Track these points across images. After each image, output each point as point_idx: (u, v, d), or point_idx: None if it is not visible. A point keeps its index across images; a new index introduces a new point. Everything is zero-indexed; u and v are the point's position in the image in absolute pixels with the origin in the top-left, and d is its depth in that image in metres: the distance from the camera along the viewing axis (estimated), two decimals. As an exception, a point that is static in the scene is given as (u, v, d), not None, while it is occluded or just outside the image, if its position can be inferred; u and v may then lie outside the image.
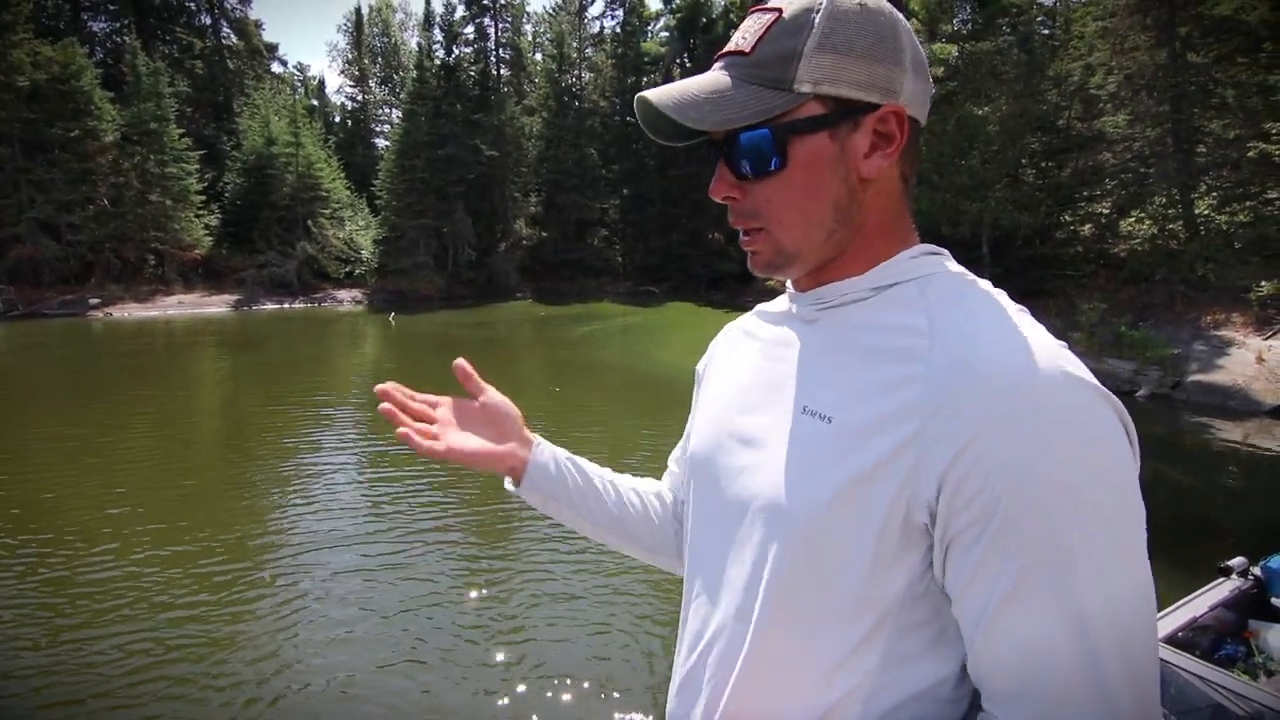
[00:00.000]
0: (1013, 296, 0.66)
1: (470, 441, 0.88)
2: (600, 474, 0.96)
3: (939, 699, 0.62)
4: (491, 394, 0.92)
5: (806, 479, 0.63)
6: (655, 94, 0.65)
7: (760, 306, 0.84)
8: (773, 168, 0.64)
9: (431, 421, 0.88)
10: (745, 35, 0.66)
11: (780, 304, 0.80)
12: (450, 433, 0.88)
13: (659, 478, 1.03)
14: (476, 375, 0.91)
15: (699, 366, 0.92)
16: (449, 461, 0.86)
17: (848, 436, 0.61)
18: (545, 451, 0.92)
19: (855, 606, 0.61)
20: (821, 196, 0.65)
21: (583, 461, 0.96)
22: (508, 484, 0.93)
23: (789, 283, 0.77)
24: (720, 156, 0.68)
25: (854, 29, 0.63)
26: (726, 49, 0.67)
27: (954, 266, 0.69)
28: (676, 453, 0.99)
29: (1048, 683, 0.54)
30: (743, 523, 0.68)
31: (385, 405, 0.86)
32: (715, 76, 0.66)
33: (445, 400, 0.91)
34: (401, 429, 0.83)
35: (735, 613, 0.68)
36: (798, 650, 0.64)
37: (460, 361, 0.89)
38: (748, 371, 0.77)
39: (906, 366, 0.60)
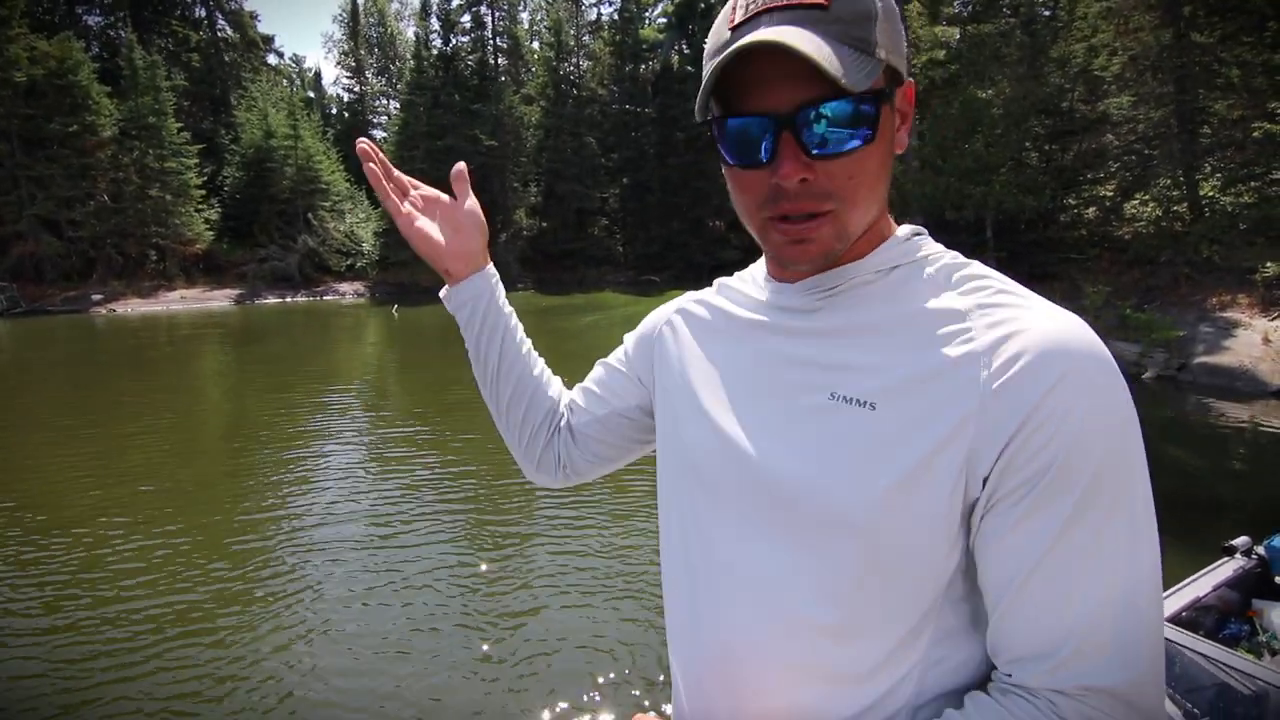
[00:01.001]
0: (1018, 280, 0.66)
1: (432, 229, 0.93)
2: (523, 338, 0.99)
3: (978, 666, 0.63)
4: (472, 202, 0.95)
5: (859, 469, 0.61)
6: (791, 36, 0.55)
7: (721, 282, 0.81)
8: (861, 140, 0.60)
9: (405, 194, 0.94)
10: None
11: (744, 286, 0.77)
12: (417, 214, 0.93)
13: None
14: (468, 181, 0.95)
15: (638, 333, 0.91)
16: (407, 235, 0.93)
17: (898, 423, 0.60)
18: (491, 279, 0.96)
19: (918, 592, 0.60)
20: (887, 171, 0.64)
21: (516, 320, 0.98)
22: (444, 292, 0.97)
23: (757, 272, 0.76)
24: (784, 130, 0.59)
25: (889, 0, 0.61)
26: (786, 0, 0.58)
27: (940, 246, 0.69)
28: (599, 372, 0.97)
29: (1066, 640, 0.56)
30: (779, 516, 0.65)
31: (369, 165, 0.89)
32: (797, 31, 0.56)
33: (427, 189, 0.96)
34: (379, 183, 0.90)
35: (782, 611, 0.65)
36: (852, 644, 0.62)
37: (460, 166, 0.94)
38: (729, 364, 0.74)
39: (956, 349, 0.59)
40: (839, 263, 0.67)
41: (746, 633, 0.67)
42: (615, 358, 0.95)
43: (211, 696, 3.44)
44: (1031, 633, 0.57)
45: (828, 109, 0.58)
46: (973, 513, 0.59)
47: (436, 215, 0.94)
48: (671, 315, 0.85)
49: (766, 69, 0.59)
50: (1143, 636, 0.56)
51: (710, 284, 0.84)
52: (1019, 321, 0.59)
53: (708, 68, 0.61)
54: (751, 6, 0.59)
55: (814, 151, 0.59)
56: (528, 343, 1.00)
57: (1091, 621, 0.55)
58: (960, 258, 0.67)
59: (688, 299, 0.85)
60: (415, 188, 0.95)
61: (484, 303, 0.94)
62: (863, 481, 0.60)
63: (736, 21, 0.60)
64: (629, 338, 0.94)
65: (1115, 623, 0.55)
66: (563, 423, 0.99)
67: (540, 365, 1.00)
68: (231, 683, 3.54)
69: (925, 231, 0.70)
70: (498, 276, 0.97)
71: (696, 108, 0.63)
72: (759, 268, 0.77)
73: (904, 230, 0.69)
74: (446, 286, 0.96)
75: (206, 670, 3.64)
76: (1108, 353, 0.58)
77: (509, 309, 0.97)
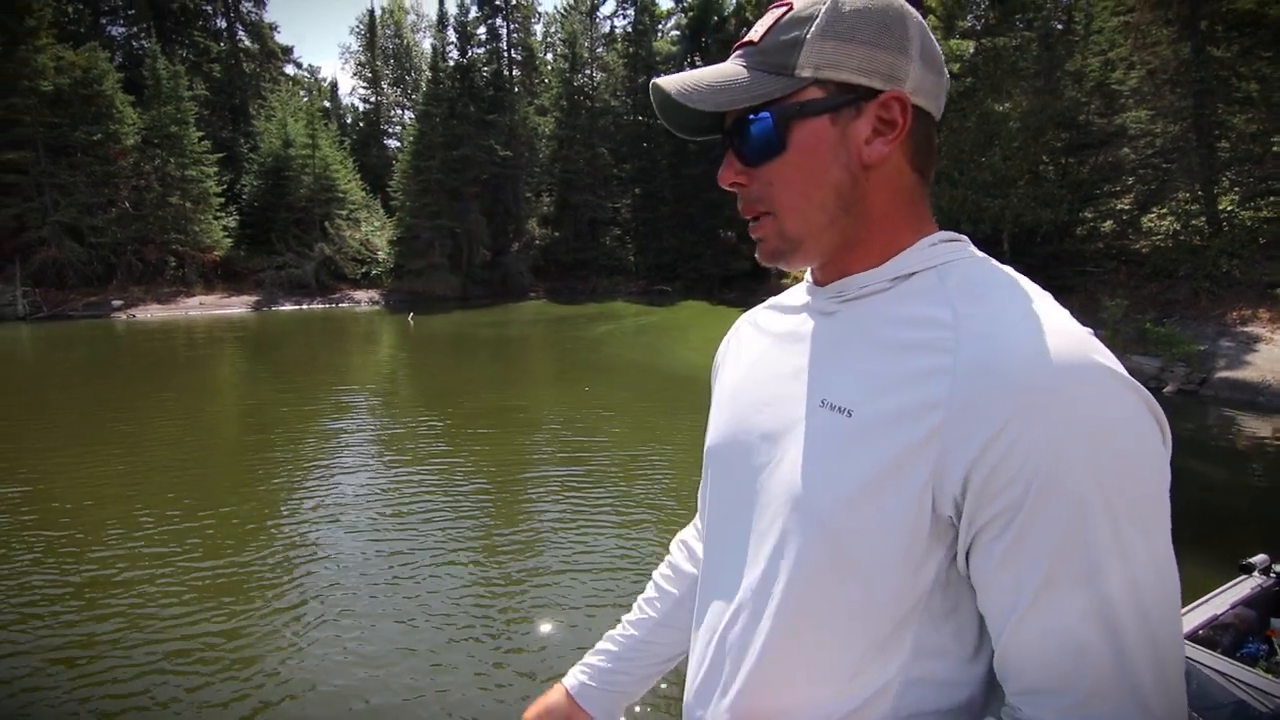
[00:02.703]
0: None
1: None
2: (653, 649, 0.97)
3: (965, 688, 0.63)
4: None
5: (828, 473, 0.63)
6: (667, 80, 0.67)
7: (773, 299, 0.84)
8: (774, 151, 0.66)
9: None
10: (758, 28, 0.68)
11: (795, 296, 0.79)
12: None
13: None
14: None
15: (715, 361, 0.91)
16: None
17: (869, 430, 0.61)
18: (585, 692, 0.96)
19: (887, 600, 0.61)
20: (822, 180, 0.66)
21: (642, 664, 0.98)
22: None
23: (808, 275, 0.77)
24: (729, 144, 0.69)
25: (858, 18, 0.64)
26: (741, 40, 0.69)
27: (976, 253, 0.67)
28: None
29: (1076, 677, 0.54)
30: (763, 518, 0.68)
31: None
32: (726, 66, 0.68)
33: None
34: None
35: (756, 609, 0.67)
36: (825, 646, 0.63)
37: None
38: (763, 365, 0.76)
39: (931, 358, 0.59)
40: (853, 270, 0.69)
41: (728, 626, 0.70)
42: None
43: (221, 697, 3.49)
44: (1039, 667, 0.56)
45: (745, 124, 0.67)
46: (957, 538, 0.59)
47: None
48: (731, 334, 0.89)
49: None
50: (1159, 669, 0.54)
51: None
52: (1000, 336, 0.57)
53: None
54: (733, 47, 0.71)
55: (745, 160, 0.68)
56: (654, 631, 0.98)
57: (1103, 657, 0.53)
58: (994, 265, 0.66)
59: (743, 317, 0.89)
60: None
61: (607, 711, 0.98)
62: (833, 485, 0.62)
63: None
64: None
65: (1129, 657, 0.53)
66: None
67: (665, 620, 0.98)
68: (240, 683, 3.58)
69: (961, 239, 0.69)
70: (584, 684, 0.98)
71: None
72: (809, 274, 0.79)
73: (935, 236, 0.68)
74: None
75: (227, 670, 3.69)
76: (1103, 366, 0.55)
77: (626, 661, 0.98)
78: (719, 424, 0.79)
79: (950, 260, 0.66)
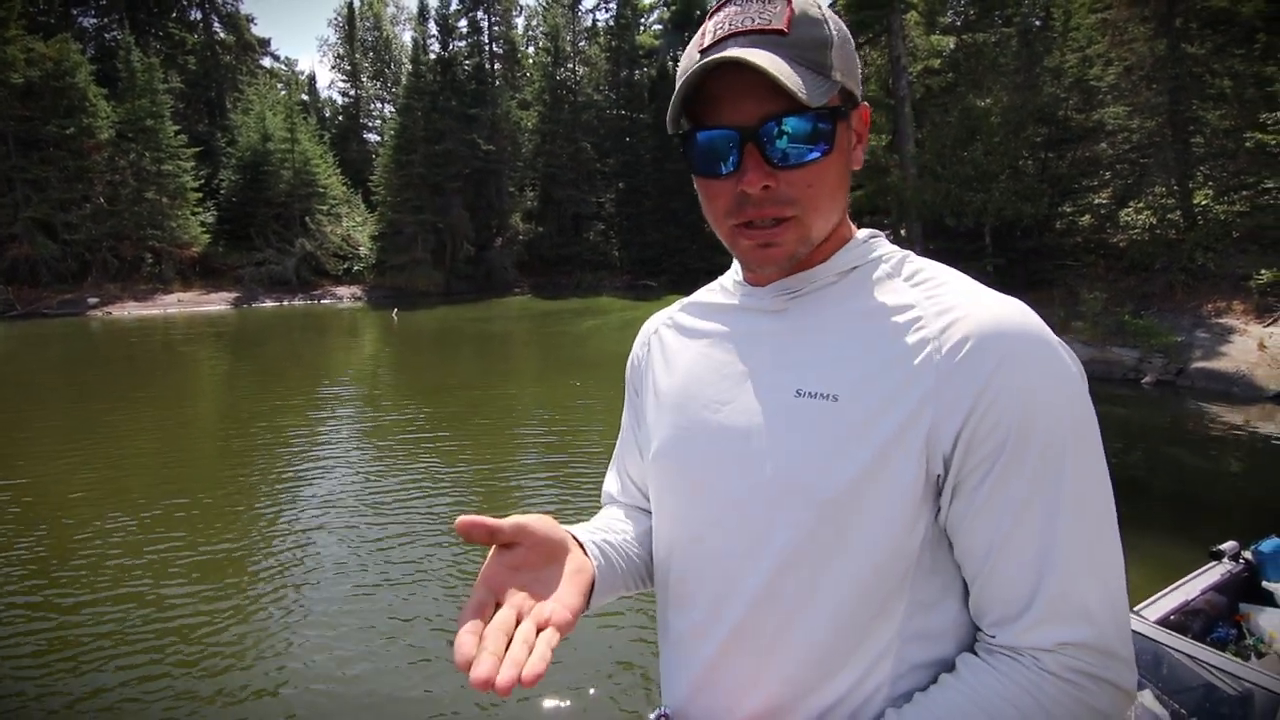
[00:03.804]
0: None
1: (562, 600, 0.66)
2: (629, 551, 0.85)
3: (952, 638, 0.67)
4: (526, 529, 0.68)
5: (826, 457, 0.65)
6: (760, 56, 0.61)
7: (686, 301, 0.86)
8: (820, 153, 0.65)
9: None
10: (766, 15, 0.64)
11: (715, 295, 0.81)
12: (539, 613, 0.64)
13: None
14: (490, 521, 0.65)
15: (632, 364, 0.89)
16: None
17: (862, 412, 0.64)
18: (596, 555, 0.78)
19: (888, 565, 0.64)
20: (844, 182, 0.70)
21: (607, 535, 0.84)
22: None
23: (731, 278, 0.79)
24: (748, 142, 0.65)
25: (843, 30, 0.68)
26: (749, 26, 0.64)
27: (895, 246, 0.75)
28: (622, 464, 0.95)
29: (1039, 601, 0.60)
30: (755, 511, 0.68)
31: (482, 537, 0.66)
32: (761, 53, 0.62)
33: (498, 572, 0.66)
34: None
35: (762, 595, 0.68)
36: (835, 622, 0.65)
37: (464, 521, 0.63)
38: (706, 366, 0.76)
39: (911, 339, 0.64)
40: (803, 266, 0.72)
41: (730, 624, 0.70)
42: (626, 418, 0.94)
43: (207, 694, 3.47)
44: (1008, 598, 0.62)
45: (789, 123, 0.64)
46: (940, 492, 0.64)
47: (524, 568, 0.68)
48: (649, 337, 0.88)
49: (733, 86, 0.65)
50: (1107, 589, 0.61)
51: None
52: (964, 308, 0.64)
53: (679, 85, 0.67)
54: (719, 31, 0.65)
55: (776, 162, 0.65)
56: (632, 542, 0.86)
57: (1060, 582, 0.60)
58: (910, 255, 0.73)
59: (657, 321, 0.88)
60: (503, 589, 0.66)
61: (611, 584, 0.80)
62: (834, 466, 0.64)
63: (705, 45, 0.66)
64: (627, 382, 0.92)
65: (1082, 580, 0.60)
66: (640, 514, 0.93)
67: (638, 539, 0.87)
68: (226, 683, 3.56)
69: (881, 234, 0.76)
70: (590, 543, 0.78)
71: (668, 121, 0.68)
72: (727, 277, 0.82)
73: (862, 233, 0.75)
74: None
75: (202, 670, 3.66)
76: (1048, 332, 0.64)
77: (613, 554, 0.82)
78: (666, 427, 0.78)
79: (885, 254, 0.73)
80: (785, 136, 0.64)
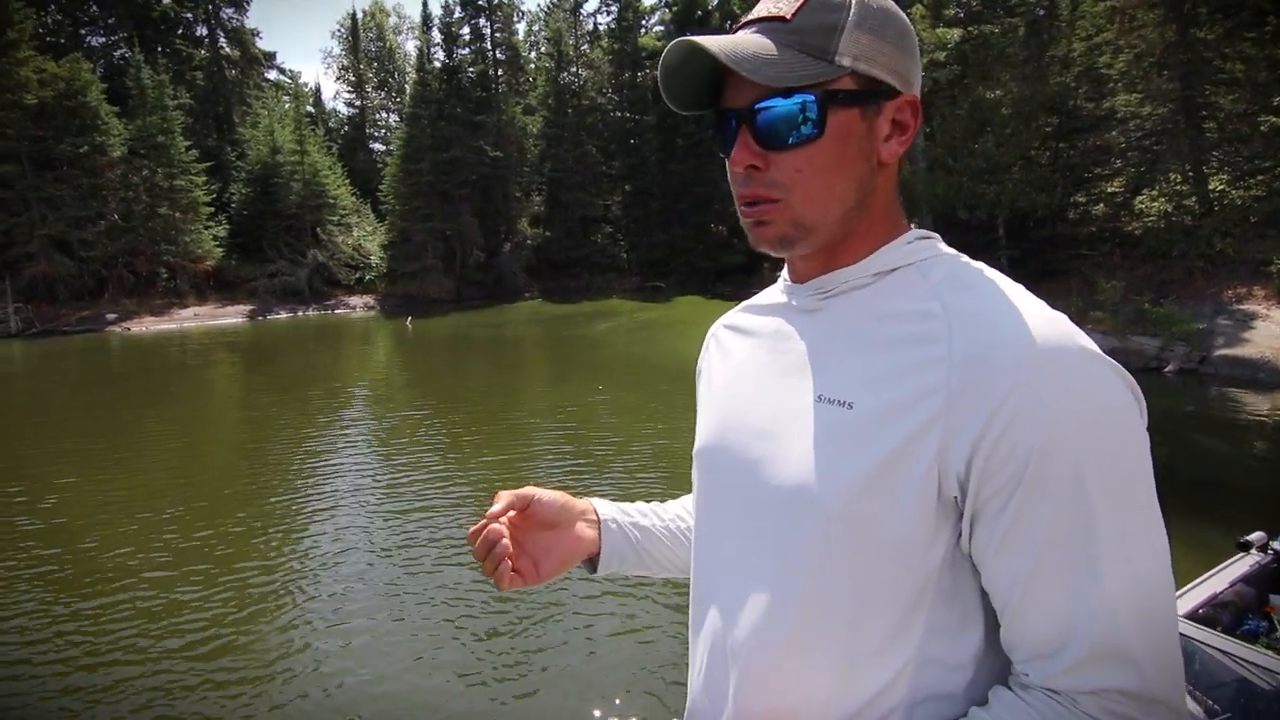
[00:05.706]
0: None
1: (549, 557, 0.87)
2: (657, 521, 0.95)
3: (972, 669, 0.64)
4: (536, 501, 0.87)
5: (834, 465, 0.63)
6: (711, 40, 0.63)
7: (747, 302, 0.85)
8: (808, 135, 0.64)
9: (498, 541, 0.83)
10: (780, 3, 0.65)
11: (770, 296, 0.80)
12: (524, 561, 0.86)
13: None
14: (506, 501, 0.85)
15: (698, 367, 0.91)
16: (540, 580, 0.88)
17: (872, 420, 0.62)
18: (612, 527, 0.92)
19: (899, 584, 0.62)
20: (848, 171, 0.66)
21: (639, 512, 0.95)
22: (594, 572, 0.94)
23: (784, 274, 0.78)
24: (742, 124, 0.66)
25: (884, 16, 0.66)
26: (760, 14, 0.66)
27: (948, 249, 0.70)
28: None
29: (1076, 641, 0.57)
30: (768, 514, 0.68)
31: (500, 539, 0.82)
32: (755, 38, 0.64)
33: (504, 526, 0.84)
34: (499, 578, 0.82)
35: (769, 605, 0.67)
36: (841, 635, 0.64)
37: (472, 534, 0.83)
38: (749, 366, 0.77)
39: (926, 349, 0.62)
40: (836, 264, 0.70)
41: (739, 625, 0.70)
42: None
43: (228, 705, 3.55)
44: (1038, 638, 0.58)
45: (769, 104, 0.64)
46: (961, 517, 0.61)
47: (531, 531, 0.88)
48: (709, 339, 0.90)
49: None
50: (1151, 631, 0.57)
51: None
52: (991, 322, 0.60)
53: (659, 69, 0.69)
54: (744, 19, 0.69)
55: (765, 143, 0.65)
56: (669, 523, 0.96)
57: (1094, 624, 0.56)
58: (967, 261, 0.69)
59: (719, 322, 0.89)
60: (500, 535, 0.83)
61: (626, 559, 0.93)
62: (841, 475, 0.63)
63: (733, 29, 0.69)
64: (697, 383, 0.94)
65: (1121, 620, 0.56)
66: None
67: (684, 532, 0.96)
68: (247, 690, 3.64)
69: (936, 236, 0.72)
70: (608, 516, 0.93)
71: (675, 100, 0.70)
72: (784, 274, 0.80)
73: (911, 234, 0.71)
74: (588, 568, 0.94)
75: (219, 679, 3.75)
76: (1090, 351, 0.59)
77: (641, 527, 0.94)
78: (708, 425, 0.80)
79: (928, 257, 0.69)
80: (769, 116, 0.65)
